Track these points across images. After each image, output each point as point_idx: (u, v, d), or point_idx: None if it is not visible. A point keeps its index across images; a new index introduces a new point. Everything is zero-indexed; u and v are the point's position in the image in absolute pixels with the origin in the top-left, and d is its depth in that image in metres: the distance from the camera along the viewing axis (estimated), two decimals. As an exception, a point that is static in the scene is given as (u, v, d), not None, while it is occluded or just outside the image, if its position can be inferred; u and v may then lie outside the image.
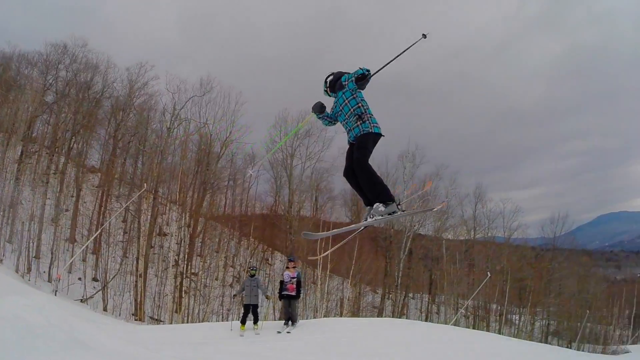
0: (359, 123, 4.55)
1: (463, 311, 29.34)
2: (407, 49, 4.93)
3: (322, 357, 8.86)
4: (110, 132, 29.58)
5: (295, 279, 11.62)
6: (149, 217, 24.49)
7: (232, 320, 15.63)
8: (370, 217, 4.59)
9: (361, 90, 4.71)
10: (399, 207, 4.54)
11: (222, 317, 23.42)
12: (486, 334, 18.64)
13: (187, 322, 21.33)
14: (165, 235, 27.80)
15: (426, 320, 28.50)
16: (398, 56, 4.98)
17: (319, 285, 24.28)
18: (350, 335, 11.03)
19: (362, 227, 5.13)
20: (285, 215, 29.17)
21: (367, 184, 4.54)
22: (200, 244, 27.74)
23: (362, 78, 4.64)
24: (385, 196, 4.48)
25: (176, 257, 24.51)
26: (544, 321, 35.25)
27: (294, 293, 11.58)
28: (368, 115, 4.56)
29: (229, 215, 31.38)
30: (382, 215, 4.49)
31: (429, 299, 33.72)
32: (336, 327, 12.23)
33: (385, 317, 24.22)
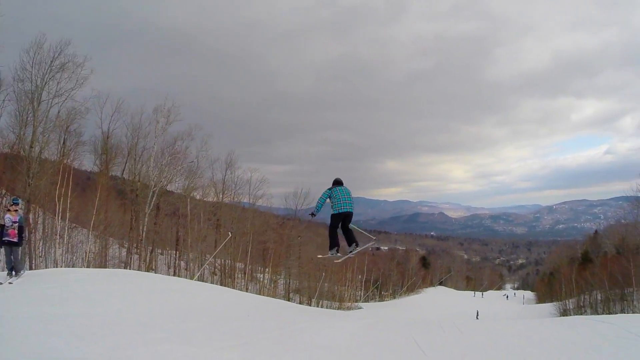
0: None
1: (208, 267, 32.09)
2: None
3: (37, 308, 8.47)
4: None
5: (17, 224, 10.74)
6: None
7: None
8: (330, 253, 9.09)
9: (336, 187, 9.07)
10: (352, 248, 9.07)
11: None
12: (220, 287, 21.61)
13: None
14: None
15: (174, 275, 30.04)
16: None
17: (59, 236, 22.58)
18: (76, 285, 10.95)
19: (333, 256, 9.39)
20: (25, 156, 25.11)
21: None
22: None
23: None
24: (330, 247, 9.02)
25: None
26: (286, 280, 40.99)
27: (15, 239, 10.73)
28: (332, 203, 8.86)
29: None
30: (330, 254, 9.01)
31: (176, 254, 34.68)
32: (66, 277, 11.97)
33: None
